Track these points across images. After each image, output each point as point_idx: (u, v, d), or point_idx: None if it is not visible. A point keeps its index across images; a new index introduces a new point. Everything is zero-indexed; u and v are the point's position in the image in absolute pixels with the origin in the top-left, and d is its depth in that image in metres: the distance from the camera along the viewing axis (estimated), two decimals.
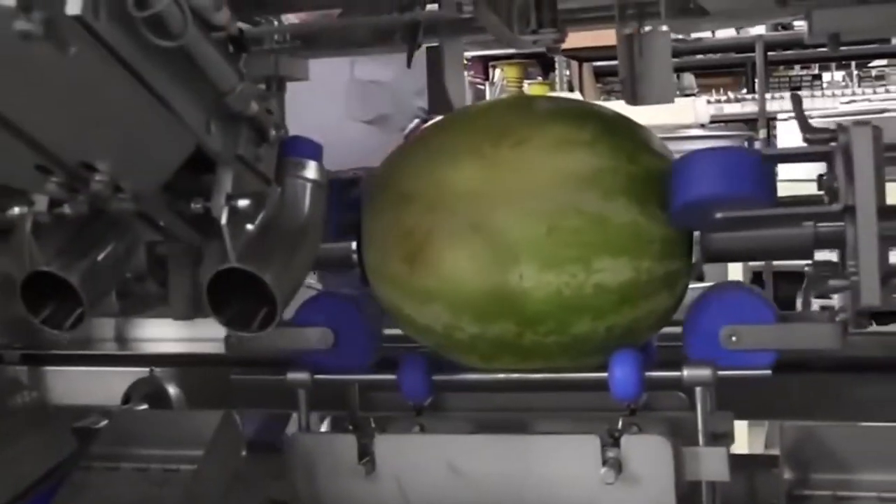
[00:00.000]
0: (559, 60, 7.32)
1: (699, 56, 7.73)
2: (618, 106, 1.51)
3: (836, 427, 1.23)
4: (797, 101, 1.36)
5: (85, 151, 1.00)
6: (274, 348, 1.41)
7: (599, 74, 7.87)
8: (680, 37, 6.84)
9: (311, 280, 1.66)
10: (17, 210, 1.13)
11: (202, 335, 1.99)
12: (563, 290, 1.24)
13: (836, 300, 1.44)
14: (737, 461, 1.28)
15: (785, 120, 4.53)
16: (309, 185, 1.19)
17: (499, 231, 1.24)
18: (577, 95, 6.32)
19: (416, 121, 2.76)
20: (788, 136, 4.56)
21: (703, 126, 5.48)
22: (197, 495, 1.34)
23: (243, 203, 1.08)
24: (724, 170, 1.24)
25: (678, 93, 7.32)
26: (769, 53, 7.08)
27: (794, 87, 7.50)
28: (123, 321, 2.18)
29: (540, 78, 7.74)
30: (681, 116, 5.01)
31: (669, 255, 1.28)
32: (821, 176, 1.31)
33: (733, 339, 1.28)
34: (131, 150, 1.01)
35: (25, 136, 0.96)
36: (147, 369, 1.94)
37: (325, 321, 1.41)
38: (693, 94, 7.02)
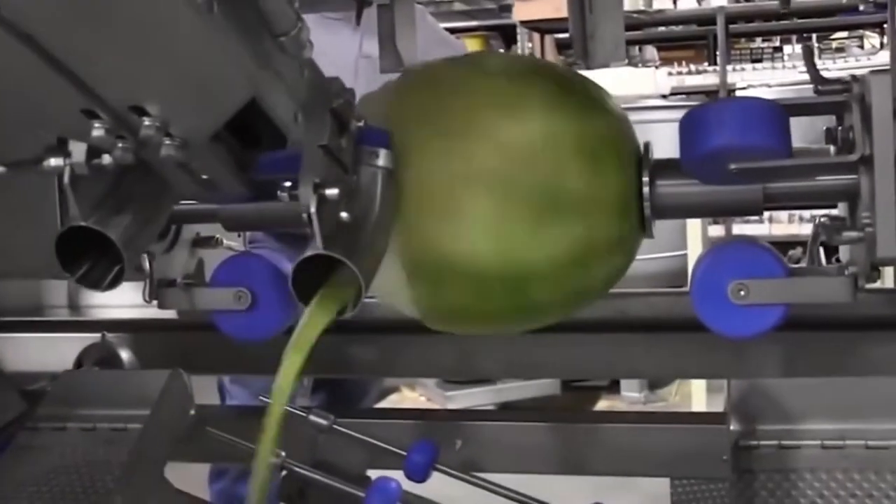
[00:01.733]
0: (521, 32, 7.31)
1: (661, 28, 7.74)
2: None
3: (781, 381, 1.24)
4: (808, 53, 1.36)
5: (136, 92, 0.97)
6: (191, 308, 1.41)
7: (561, 46, 7.86)
8: (641, 8, 6.86)
9: (235, 242, 1.66)
10: (52, 162, 1.10)
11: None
12: (512, 254, 1.25)
13: (842, 255, 1.43)
14: (688, 418, 1.29)
15: (744, 89, 4.55)
16: (381, 174, 1.20)
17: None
18: None
19: None
20: None
21: (663, 97, 5.50)
22: (143, 454, 1.33)
23: (331, 192, 1.09)
24: (742, 119, 1.23)
25: (640, 64, 7.34)
26: (731, 26, 7.10)
27: (756, 60, 7.54)
28: (76, 287, 2.16)
29: (502, 50, 7.73)
30: (641, 87, 5.02)
31: (621, 214, 1.28)
32: (828, 130, 1.31)
33: (742, 293, 1.27)
34: (185, 92, 0.98)
35: (74, 76, 0.92)
36: (99, 335, 1.92)
37: (242, 282, 1.41)
38: (655, 66, 7.03)
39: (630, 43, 8.02)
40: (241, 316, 1.42)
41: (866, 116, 1.20)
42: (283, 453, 1.56)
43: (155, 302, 1.95)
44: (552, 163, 1.26)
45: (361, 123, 1.19)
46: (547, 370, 2.13)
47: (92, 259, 1.13)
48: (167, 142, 1.01)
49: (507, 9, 7.16)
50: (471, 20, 7.47)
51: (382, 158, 1.21)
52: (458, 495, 1.69)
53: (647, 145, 1.34)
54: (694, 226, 4.00)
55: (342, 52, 2.61)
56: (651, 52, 7.83)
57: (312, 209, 1.08)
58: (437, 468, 1.60)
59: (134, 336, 1.93)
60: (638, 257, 1.37)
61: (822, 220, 1.27)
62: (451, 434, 1.70)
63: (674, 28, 7.79)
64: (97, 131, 1.00)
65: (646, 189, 1.30)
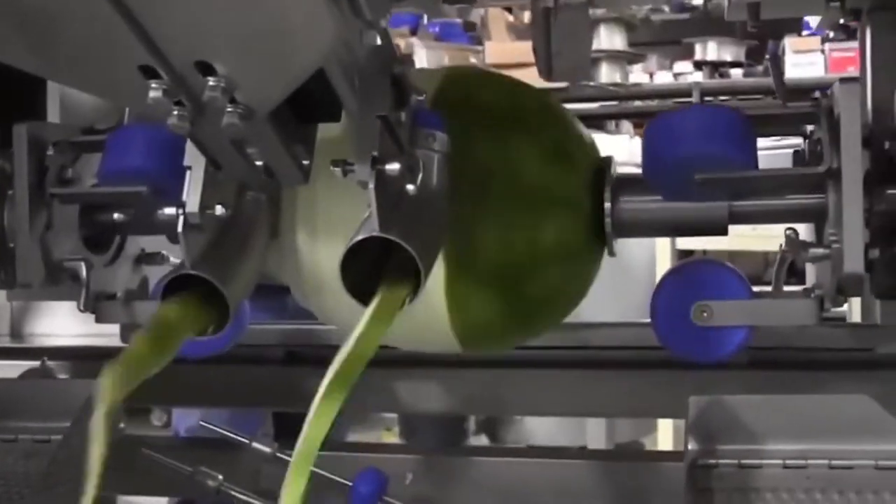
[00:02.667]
0: None
1: (637, 102, 7.79)
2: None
3: (742, 398, 1.18)
4: (776, 62, 1.34)
5: (205, 45, 0.87)
6: (130, 322, 1.38)
7: None
8: (618, 81, 6.91)
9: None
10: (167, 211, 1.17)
11: (98, 330, 1.93)
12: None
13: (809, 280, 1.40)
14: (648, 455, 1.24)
15: None
16: (438, 158, 1.10)
17: None
18: None
19: None
20: None
21: (638, 166, 5.51)
22: (64, 465, 1.26)
23: (392, 168, 1.00)
24: (708, 127, 1.19)
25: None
26: (706, 99, 7.16)
27: None
28: (19, 314, 2.10)
29: None
30: (616, 153, 5.02)
31: (581, 230, 1.24)
32: (796, 152, 1.29)
33: (705, 314, 1.23)
34: (258, 48, 0.87)
35: (137, 24, 0.83)
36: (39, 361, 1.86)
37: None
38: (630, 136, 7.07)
39: (606, 117, 8.08)
40: None
41: (833, 128, 1.17)
42: (221, 477, 1.49)
43: (101, 330, 1.90)
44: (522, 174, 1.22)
45: (422, 97, 1.08)
46: (506, 407, 2.07)
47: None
48: (230, 109, 0.91)
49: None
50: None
51: (439, 143, 1.09)
52: None
53: (608, 160, 1.30)
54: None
55: None
56: (627, 126, 7.87)
57: (371, 185, 0.97)
58: (385, 501, 1.53)
59: (75, 363, 1.86)
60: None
61: (789, 233, 1.23)
62: (402, 467, 1.64)
63: (650, 102, 7.84)
64: (154, 92, 0.89)
65: (607, 205, 1.25)
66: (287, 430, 2.56)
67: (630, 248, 4.69)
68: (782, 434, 1.13)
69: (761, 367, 1.56)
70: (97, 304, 1.43)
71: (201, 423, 1.67)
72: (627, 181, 1.29)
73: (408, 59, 1.07)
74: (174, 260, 1.57)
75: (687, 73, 7.16)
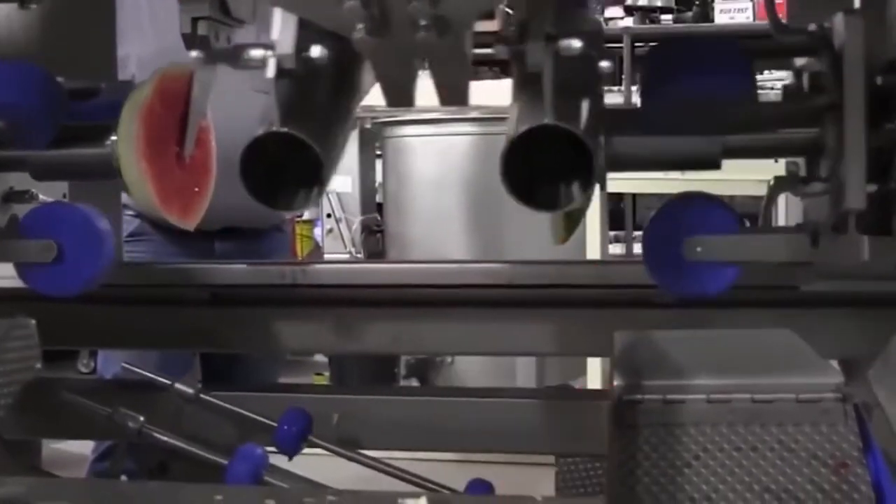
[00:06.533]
0: None
1: None
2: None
3: (666, 334, 1.18)
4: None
5: None
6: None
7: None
8: None
9: (52, 198, 1.54)
10: (253, 53, 0.97)
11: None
12: None
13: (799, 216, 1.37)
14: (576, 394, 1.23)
15: None
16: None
17: None
18: None
19: None
20: None
21: None
22: None
23: (574, 45, 0.91)
24: (705, 58, 1.17)
25: None
26: (636, 45, 7.17)
27: None
28: None
29: None
30: None
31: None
32: (786, 86, 1.25)
33: (698, 249, 1.21)
34: None
35: None
36: None
37: (49, 233, 1.31)
38: None
39: None
40: (48, 269, 1.30)
41: (835, 61, 1.13)
42: (142, 418, 1.46)
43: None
44: None
45: None
46: (433, 346, 2.06)
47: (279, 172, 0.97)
48: (424, 22, 0.82)
49: None
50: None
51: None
52: (336, 478, 1.60)
53: (600, 96, 1.25)
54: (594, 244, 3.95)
55: None
56: None
57: (548, 65, 0.89)
58: (311, 441, 1.52)
59: None
60: None
61: (788, 168, 1.21)
62: (329, 408, 1.62)
63: None
64: (352, 3, 0.82)
65: (601, 138, 1.18)
66: (214, 374, 2.54)
67: None
68: (706, 369, 1.12)
69: (688, 306, 1.56)
70: None
71: (123, 364, 1.64)
72: (620, 114, 1.25)
73: None
74: (44, 198, 1.52)
75: (618, 19, 7.16)
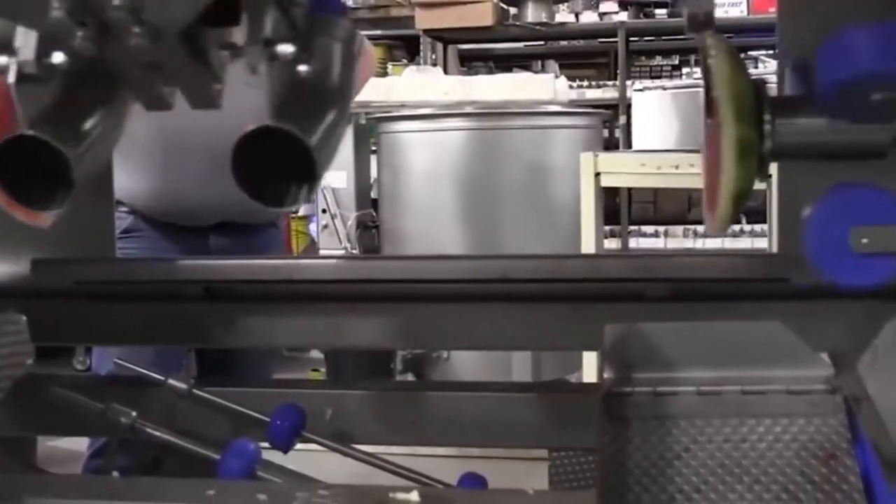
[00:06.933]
0: (424, 42, 7.27)
1: (563, 42, 7.78)
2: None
3: (657, 326, 1.18)
4: None
5: None
6: None
7: (464, 58, 7.84)
8: (544, 20, 6.87)
9: None
10: None
11: None
12: None
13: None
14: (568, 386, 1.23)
15: (640, 91, 4.58)
16: (337, 46, 1.04)
17: None
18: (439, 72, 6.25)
19: None
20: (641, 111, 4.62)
21: (563, 105, 5.48)
22: None
23: (285, 49, 0.93)
24: (885, 44, 1.09)
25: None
26: (631, 39, 7.17)
27: (655, 76, 7.62)
28: None
29: (405, 60, 7.67)
30: (539, 93, 4.99)
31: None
32: None
33: (864, 241, 1.14)
34: None
35: None
36: None
37: None
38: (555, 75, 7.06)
39: (532, 56, 8.06)
40: None
41: None
42: (135, 413, 1.46)
43: None
44: None
45: None
46: (430, 341, 2.06)
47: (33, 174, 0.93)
48: (136, 29, 0.85)
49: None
50: (375, 29, 7.40)
51: (340, 30, 1.03)
52: (331, 473, 1.60)
53: (762, 82, 1.18)
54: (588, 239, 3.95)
55: None
56: (553, 66, 7.85)
57: (263, 68, 0.92)
58: (305, 437, 1.52)
59: None
60: None
61: None
62: (323, 403, 1.62)
63: (576, 43, 7.83)
64: (56, 12, 0.84)
65: (767, 127, 1.14)
66: (210, 370, 2.54)
67: (556, 184, 4.70)
68: (697, 361, 1.13)
69: (680, 299, 1.56)
70: None
71: (116, 360, 1.64)
72: (786, 102, 1.20)
73: None
74: None
75: (612, 13, 7.16)
